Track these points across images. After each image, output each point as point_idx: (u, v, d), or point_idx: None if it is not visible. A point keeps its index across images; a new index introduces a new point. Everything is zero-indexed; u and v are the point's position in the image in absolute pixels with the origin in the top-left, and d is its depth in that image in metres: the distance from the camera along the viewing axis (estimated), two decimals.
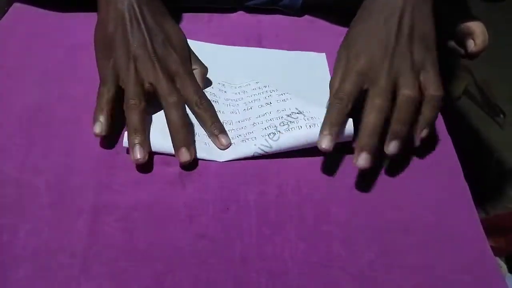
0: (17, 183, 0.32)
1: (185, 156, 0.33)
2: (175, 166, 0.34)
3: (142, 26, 0.34)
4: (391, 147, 0.32)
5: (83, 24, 0.45)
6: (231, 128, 0.37)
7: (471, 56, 0.43)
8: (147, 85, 0.34)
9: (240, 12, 0.48)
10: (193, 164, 0.34)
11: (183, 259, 0.29)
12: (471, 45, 0.42)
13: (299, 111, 0.36)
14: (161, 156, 0.34)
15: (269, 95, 0.38)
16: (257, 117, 0.37)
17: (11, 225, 0.30)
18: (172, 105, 0.33)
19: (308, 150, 0.36)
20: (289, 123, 0.35)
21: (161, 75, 0.33)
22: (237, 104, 0.38)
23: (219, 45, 0.44)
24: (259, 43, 0.46)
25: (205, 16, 0.47)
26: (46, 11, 0.45)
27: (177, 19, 0.46)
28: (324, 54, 0.45)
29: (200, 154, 0.34)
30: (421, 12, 0.34)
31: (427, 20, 0.34)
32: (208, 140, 0.35)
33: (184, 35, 0.38)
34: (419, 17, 0.34)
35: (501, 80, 1.12)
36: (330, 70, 0.43)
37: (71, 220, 0.31)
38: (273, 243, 0.31)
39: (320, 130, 0.32)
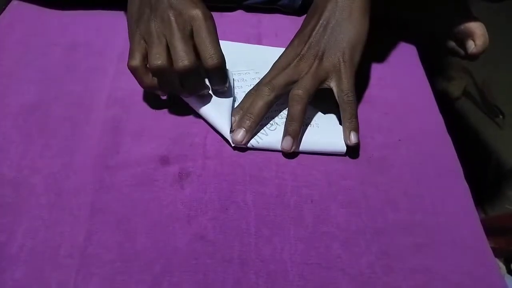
0: (14, 183, 0.32)
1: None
2: (174, 166, 0.34)
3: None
4: (284, 143, 0.35)
5: (81, 22, 0.44)
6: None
7: (471, 57, 0.42)
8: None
9: (240, 11, 0.48)
10: (191, 163, 0.34)
11: (181, 260, 0.29)
12: (471, 47, 0.42)
13: None
14: (161, 156, 0.34)
15: None
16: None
17: (8, 225, 0.30)
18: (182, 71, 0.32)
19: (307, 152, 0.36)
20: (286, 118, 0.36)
21: (176, 33, 0.31)
22: (236, 92, 0.39)
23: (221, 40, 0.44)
24: (259, 42, 0.45)
25: None
26: (44, 9, 0.45)
27: None
28: None
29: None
30: (350, 19, 0.36)
31: (354, 28, 0.36)
32: (214, 120, 0.36)
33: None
34: (346, 25, 0.36)
35: (501, 81, 1.12)
36: None
37: (69, 220, 0.30)
38: (272, 244, 0.31)
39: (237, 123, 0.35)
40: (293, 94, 0.34)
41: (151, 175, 0.33)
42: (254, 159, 0.35)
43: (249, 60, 0.42)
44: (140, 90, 0.38)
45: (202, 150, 0.35)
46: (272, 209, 0.32)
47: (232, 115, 0.36)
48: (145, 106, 0.37)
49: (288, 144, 0.34)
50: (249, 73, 0.41)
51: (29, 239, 0.29)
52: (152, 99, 0.38)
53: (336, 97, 0.35)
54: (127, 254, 0.29)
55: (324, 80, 0.35)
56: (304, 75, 0.35)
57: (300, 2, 0.47)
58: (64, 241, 0.29)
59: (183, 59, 0.31)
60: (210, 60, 0.32)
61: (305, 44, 0.36)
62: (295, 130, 0.34)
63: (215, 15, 0.47)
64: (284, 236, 0.31)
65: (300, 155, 0.36)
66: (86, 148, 0.34)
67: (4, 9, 0.45)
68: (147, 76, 0.33)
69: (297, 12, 0.48)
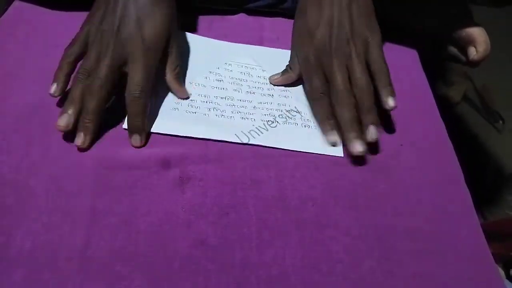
0: (13, 184, 0.32)
1: (136, 141, 0.34)
2: (175, 170, 0.34)
3: (120, 6, 0.34)
4: (370, 133, 0.35)
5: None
6: (232, 104, 0.38)
7: (473, 64, 0.42)
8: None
9: (242, 14, 0.48)
10: (192, 167, 0.34)
11: (181, 264, 0.29)
12: (473, 53, 0.42)
13: (297, 110, 0.39)
14: (161, 159, 0.34)
15: (272, 87, 0.41)
16: (258, 103, 0.39)
17: (7, 227, 0.30)
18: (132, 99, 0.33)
19: (309, 156, 0.36)
20: (287, 117, 0.38)
21: (109, 59, 0.33)
22: (241, 84, 0.40)
23: (224, 41, 0.45)
24: (261, 46, 0.45)
25: (206, 18, 0.47)
26: (46, 10, 0.45)
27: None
28: None
29: (198, 132, 0.36)
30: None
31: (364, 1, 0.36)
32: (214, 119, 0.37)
33: (168, 25, 0.36)
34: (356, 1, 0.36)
35: (501, 86, 1.12)
36: None
37: (68, 223, 0.30)
38: (273, 249, 0.30)
39: (324, 131, 0.36)
40: (359, 84, 0.34)
41: (152, 178, 0.33)
42: (255, 163, 0.35)
43: (256, 57, 0.43)
44: None
45: (204, 154, 0.35)
46: (273, 213, 0.32)
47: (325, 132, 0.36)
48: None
49: (359, 148, 0.34)
50: (255, 68, 0.42)
51: (29, 241, 0.29)
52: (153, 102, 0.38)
53: (369, 69, 0.36)
54: (126, 258, 0.29)
55: (366, 57, 0.36)
56: (352, 67, 0.35)
57: None
58: (63, 244, 0.29)
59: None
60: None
61: (332, 35, 0.36)
62: (375, 118, 0.35)
63: (217, 18, 0.47)
64: (285, 241, 0.31)
65: (301, 159, 0.36)
66: (86, 150, 0.34)
67: (6, 9, 0.45)
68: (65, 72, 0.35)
69: None
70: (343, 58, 0.35)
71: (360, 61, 0.35)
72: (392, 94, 0.35)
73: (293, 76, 0.39)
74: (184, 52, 0.42)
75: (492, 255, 0.33)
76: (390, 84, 0.36)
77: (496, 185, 0.93)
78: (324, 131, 0.36)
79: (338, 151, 0.36)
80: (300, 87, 0.41)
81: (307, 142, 0.36)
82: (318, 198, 0.33)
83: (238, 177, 0.34)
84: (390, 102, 0.35)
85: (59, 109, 0.36)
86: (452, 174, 0.37)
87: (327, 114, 0.36)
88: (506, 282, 0.71)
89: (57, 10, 0.45)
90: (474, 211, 0.35)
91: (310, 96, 0.38)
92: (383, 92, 0.35)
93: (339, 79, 0.35)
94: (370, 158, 0.37)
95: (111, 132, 0.35)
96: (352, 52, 0.35)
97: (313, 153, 0.36)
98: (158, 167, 0.34)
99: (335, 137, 0.36)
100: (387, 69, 0.36)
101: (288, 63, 0.40)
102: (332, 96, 0.35)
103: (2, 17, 0.44)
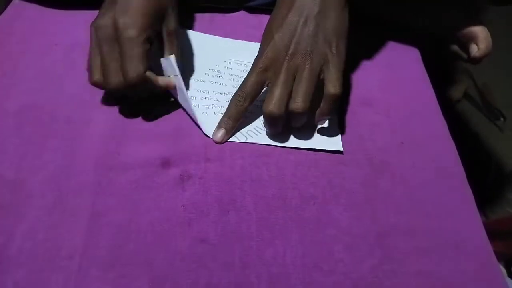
0: (13, 184, 0.32)
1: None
2: (175, 169, 0.33)
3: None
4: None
5: (81, 22, 0.44)
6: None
7: (474, 61, 0.42)
8: None
9: (242, 12, 0.48)
10: (192, 165, 0.34)
11: (182, 263, 0.29)
12: (474, 50, 0.41)
13: None
14: (161, 158, 0.34)
15: None
16: (256, 100, 0.38)
17: (7, 226, 0.29)
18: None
19: (310, 154, 0.36)
20: None
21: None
22: (240, 81, 0.39)
23: (224, 38, 0.45)
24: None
25: (206, 16, 0.47)
26: (45, 9, 0.45)
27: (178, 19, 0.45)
28: None
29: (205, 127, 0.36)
30: (331, 9, 0.34)
31: (336, 18, 0.35)
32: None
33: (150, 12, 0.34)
34: (329, 15, 0.34)
35: (502, 84, 1.12)
36: None
37: (68, 222, 0.30)
38: (273, 247, 0.30)
39: (218, 123, 0.36)
40: (295, 109, 0.33)
41: (152, 177, 0.33)
42: (256, 161, 0.35)
43: (255, 54, 0.43)
44: None
45: (204, 152, 0.35)
46: (273, 212, 0.32)
47: (218, 125, 0.36)
48: (146, 107, 0.37)
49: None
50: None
51: (29, 241, 0.29)
52: (153, 101, 0.37)
53: (324, 87, 0.34)
54: (127, 257, 0.29)
55: (319, 77, 0.34)
56: (299, 79, 0.34)
57: None
58: (64, 243, 0.29)
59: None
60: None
61: (292, 40, 0.34)
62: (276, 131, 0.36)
63: (218, 15, 0.47)
64: (285, 239, 0.31)
65: (302, 157, 0.36)
66: (87, 150, 0.34)
67: (5, 8, 0.45)
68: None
69: None
70: (293, 69, 0.34)
71: (308, 82, 0.33)
72: (322, 122, 0.36)
73: None
74: (183, 49, 0.42)
75: (494, 253, 0.32)
76: (328, 113, 0.34)
77: (497, 183, 0.93)
78: (218, 125, 0.36)
79: (338, 146, 0.36)
80: None
81: (305, 139, 0.36)
82: (319, 197, 0.33)
83: (238, 175, 0.34)
84: (318, 126, 0.36)
85: (58, 109, 0.37)
86: (453, 172, 0.37)
87: (234, 115, 0.35)
88: (508, 280, 0.71)
89: (56, 9, 0.45)
90: (476, 209, 0.35)
91: (239, 88, 0.35)
92: (317, 115, 0.35)
93: (272, 107, 0.33)
94: (371, 156, 0.36)
95: (111, 132, 0.35)
96: (304, 70, 0.33)
97: (312, 149, 0.36)
98: (158, 166, 0.33)
99: (220, 135, 0.35)
100: (337, 95, 0.33)
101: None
102: (270, 89, 0.34)
103: (1, 15, 0.44)
